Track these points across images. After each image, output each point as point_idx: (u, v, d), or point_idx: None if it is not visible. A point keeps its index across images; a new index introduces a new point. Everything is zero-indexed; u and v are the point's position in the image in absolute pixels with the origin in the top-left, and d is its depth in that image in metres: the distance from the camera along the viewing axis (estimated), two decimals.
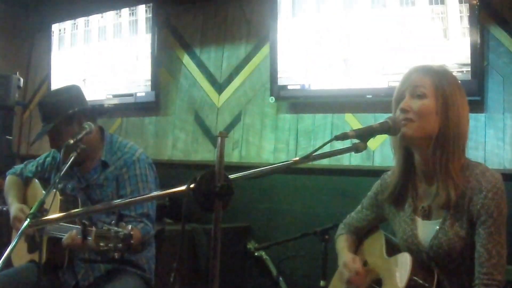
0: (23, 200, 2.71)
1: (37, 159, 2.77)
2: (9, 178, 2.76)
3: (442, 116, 1.67)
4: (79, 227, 2.07)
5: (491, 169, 1.69)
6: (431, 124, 1.67)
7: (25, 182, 2.75)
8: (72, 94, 2.52)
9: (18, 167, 2.80)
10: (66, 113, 2.40)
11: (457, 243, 1.65)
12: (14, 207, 2.54)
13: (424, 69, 1.75)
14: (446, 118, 1.67)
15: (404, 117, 1.67)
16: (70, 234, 2.12)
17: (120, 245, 1.89)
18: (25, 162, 2.81)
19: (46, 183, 2.64)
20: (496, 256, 1.59)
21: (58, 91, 2.65)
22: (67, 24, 4.73)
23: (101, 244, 1.92)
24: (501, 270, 1.59)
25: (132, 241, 1.91)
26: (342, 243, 2.05)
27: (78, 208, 2.39)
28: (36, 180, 2.71)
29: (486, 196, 1.61)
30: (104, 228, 1.95)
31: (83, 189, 2.50)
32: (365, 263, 1.97)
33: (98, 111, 2.64)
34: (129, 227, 1.93)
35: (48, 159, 2.71)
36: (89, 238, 2.00)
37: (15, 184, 2.73)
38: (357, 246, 2.06)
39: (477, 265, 1.61)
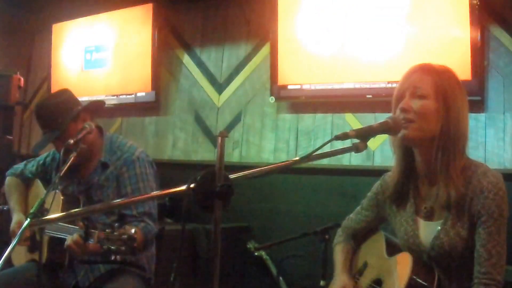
0: (25, 202, 2.69)
1: (37, 159, 2.74)
2: (9, 180, 2.73)
3: (443, 117, 1.66)
4: (81, 228, 2.07)
5: (493, 169, 1.69)
6: (432, 124, 1.66)
7: (26, 183, 2.74)
8: (67, 95, 2.50)
9: (17, 167, 2.76)
10: (72, 113, 2.40)
11: (459, 243, 1.65)
12: (15, 218, 2.52)
13: (425, 68, 1.74)
14: (447, 118, 1.66)
15: (404, 117, 1.67)
16: (72, 238, 2.12)
17: (123, 247, 1.89)
18: (24, 162, 2.78)
19: (47, 184, 2.62)
20: (496, 256, 1.58)
21: (52, 96, 2.62)
22: (67, 23, 4.73)
23: (104, 246, 1.92)
24: (500, 270, 1.59)
25: (135, 244, 1.90)
26: (338, 254, 2.05)
27: (79, 208, 2.39)
28: (39, 181, 2.69)
29: (487, 196, 1.61)
30: (106, 230, 1.95)
31: (84, 192, 2.49)
32: (365, 264, 1.97)
33: (98, 106, 2.63)
34: (133, 230, 1.92)
35: (48, 159, 2.69)
36: (91, 240, 2.00)
37: (16, 186, 2.70)
38: (355, 251, 2.06)
39: (476, 264, 1.60)
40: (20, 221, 2.48)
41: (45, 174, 2.68)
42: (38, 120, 2.47)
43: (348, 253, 2.05)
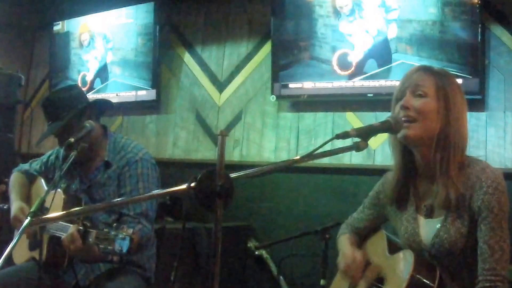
0: (27, 198, 2.70)
1: (41, 157, 2.76)
2: (14, 175, 2.75)
3: (443, 116, 1.66)
4: (80, 227, 2.07)
5: (492, 166, 1.69)
6: (433, 123, 1.66)
7: (30, 180, 2.75)
8: (76, 91, 2.53)
9: (23, 165, 2.80)
10: (77, 108, 2.40)
11: (459, 240, 1.65)
12: (15, 206, 2.53)
13: (426, 69, 1.75)
14: (447, 118, 1.66)
15: (405, 115, 1.67)
16: (70, 234, 2.12)
17: (119, 248, 1.89)
18: (30, 161, 2.80)
19: (50, 182, 2.64)
20: (499, 251, 1.58)
21: (61, 89, 2.64)
22: (68, 22, 4.73)
23: (101, 246, 1.92)
24: (505, 265, 1.58)
25: (132, 246, 1.90)
26: (344, 241, 2.04)
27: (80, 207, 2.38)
28: (42, 179, 2.70)
29: (487, 191, 1.61)
30: (104, 230, 1.95)
31: (86, 190, 2.49)
32: (367, 262, 1.96)
33: (106, 105, 2.64)
34: (130, 230, 1.92)
35: (52, 158, 2.70)
36: (90, 239, 2.00)
37: (20, 181, 2.72)
38: (359, 245, 2.06)
39: (480, 261, 1.60)
40: (22, 208, 2.49)
41: (48, 173, 2.70)
42: (44, 112, 2.49)
43: (354, 241, 2.03)
